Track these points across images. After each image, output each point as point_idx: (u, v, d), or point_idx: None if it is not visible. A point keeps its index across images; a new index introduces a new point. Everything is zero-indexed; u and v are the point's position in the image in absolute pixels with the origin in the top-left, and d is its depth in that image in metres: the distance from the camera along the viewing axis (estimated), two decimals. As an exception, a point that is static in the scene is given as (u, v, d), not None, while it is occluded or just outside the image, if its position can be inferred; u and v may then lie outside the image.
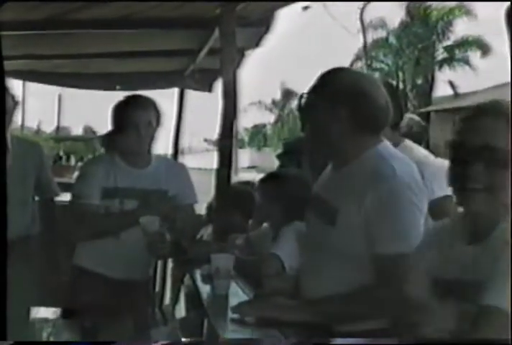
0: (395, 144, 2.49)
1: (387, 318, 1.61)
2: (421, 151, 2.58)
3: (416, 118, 4.20)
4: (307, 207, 1.90)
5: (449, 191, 2.57)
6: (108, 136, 2.85)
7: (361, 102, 1.71)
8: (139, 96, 2.81)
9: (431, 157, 2.58)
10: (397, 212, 1.61)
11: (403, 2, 22.89)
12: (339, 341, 1.64)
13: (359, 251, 1.65)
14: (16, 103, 3.03)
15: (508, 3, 2.37)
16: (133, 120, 2.69)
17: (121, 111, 2.74)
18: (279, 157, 3.99)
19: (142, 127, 2.69)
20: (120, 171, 2.76)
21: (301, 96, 1.80)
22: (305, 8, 23.96)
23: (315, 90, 1.78)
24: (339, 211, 1.68)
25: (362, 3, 23.05)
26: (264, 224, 2.62)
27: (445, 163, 4.84)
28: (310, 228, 1.86)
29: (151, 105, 2.76)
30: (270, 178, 2.58)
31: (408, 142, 2.57)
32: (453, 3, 23.00)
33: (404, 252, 1.58)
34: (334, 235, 1.69)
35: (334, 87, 1.73)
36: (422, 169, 2.42)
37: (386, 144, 1.77)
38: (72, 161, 14.05)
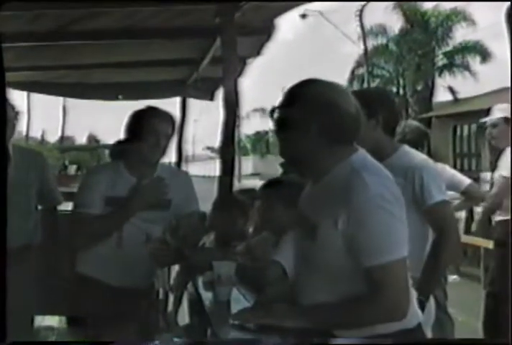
0: (394, 150, 2.52)
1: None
2: (420, 156, 2.60)
3: (417, 124, 4.22)
4: (291, 222, 1.90)
5: (447, 196, 2.60)
6: (120, 144, 2.86)
7: (330, 113, 1.68)
8: (159, 108, 2.84)
9: (430, 161, 2.60)
10: (374, 226, 1.60)
11: (400, 8, 22.91)
12: (338, 341, 1.67)
13: (343, 264, 1.65)
14: (16, 113, 3.06)
15: (508, 3, 2.39)
16: (155, 129, 2.71)
17: (142, 120, 2.75)
18: (283, 165, 4.01)
19: (162, 137, 2.73)
20: (124, 180, 2.78)
21: (272, 111, 1.78)
22: (303, 16, 24.01)
23: (284, 103, 1.75)
24: (318, 227, 1.67)
25: (358, 8, 23.06)
26: (265, 231, 2.63)
27: (445, 168, 4.86)
28: (295, 242, 1.87)
29: (170, 118, 2.80)
30: (271, 185, 2.60)
31: (407, 148, 2.59)
32: (449, 10, 23.05)
33: (389, 261, 1.60)
34: (315, 251, 1.70)
35: (302, 99, 1.71)
36: (421, 173, 2.44)
37: (360, 154, 1.74)
38: (78, 170, 14.10)
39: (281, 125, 1.76)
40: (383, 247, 1.61)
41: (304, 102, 1.70)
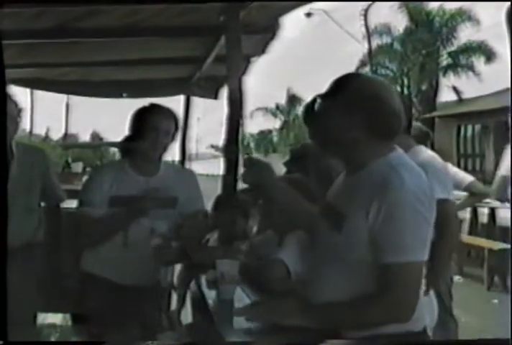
0: (407, 149, 2.52)
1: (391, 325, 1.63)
2: (428, 153, 2.61)
3: (419, 124, 4.23)
4: (316, 212, 1.89)
5: (451, 195, 2.59)
6: (125, 141, 2.87)
7: (375, 108, 1.69)
8: (161, 105, 2.85)
9: (438, 159, 2.60)
10: (403, 222, 1.60)
11: (405, 7, 22.89)
12: (339, 341, 1.66)
13: (363, 259, 1.65)
14: (20, 110, 3.06)
15: (509, 3, 2.38)
16: (155, 126, 2.73)
17: (143, 117, 2.78)
18: (286, 164, 4.00)
19: (162, 134, 2.73)
20: (129, 178, 2.78)
21: (313, 101, 1.78)
22: (308, 15, 24.03)
23: (329, 95, 1.75)
24: (346, 218, 1.67)
25: (363, 7, 23.06)
26: (269, 229, 2.62)
27: (448, 166, 4.86)
28: (317, 233, 1.85)
29: (172, 115, 2.81)
30: None
31: (422, 147, 2.60)
32: (454, 9, 23.03)
33: (408, 261, 1.59)
34: (339, 241, 1.69)
35: (348, 92, 1.71)
36: (425, 170, 2.44)
37: (399, 153, 1.75)
38: (81, 168, 14.10)
39: (324, 114, 1.75)
40: (406, 246, 1.60)
41: (351, 93, 1.71)
